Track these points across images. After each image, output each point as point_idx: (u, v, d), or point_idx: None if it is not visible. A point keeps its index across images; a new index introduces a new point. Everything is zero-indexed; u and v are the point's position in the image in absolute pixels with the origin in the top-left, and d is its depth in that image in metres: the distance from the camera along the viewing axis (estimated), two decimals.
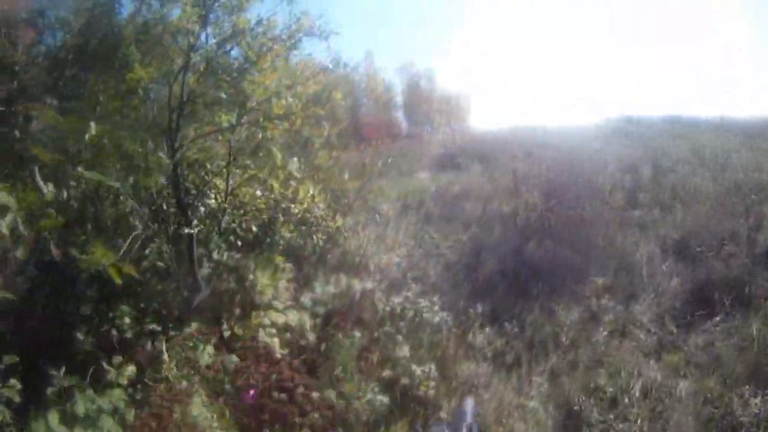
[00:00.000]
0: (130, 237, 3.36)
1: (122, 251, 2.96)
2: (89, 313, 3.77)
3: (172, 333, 3.93)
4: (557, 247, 6.98)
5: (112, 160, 3.70)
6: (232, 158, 4.65)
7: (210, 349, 3.93)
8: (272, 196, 5.03)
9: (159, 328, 3.92)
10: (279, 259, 5.16)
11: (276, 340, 4.29)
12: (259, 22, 4.17)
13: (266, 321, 4.32)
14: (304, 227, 5.55)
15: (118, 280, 2.66)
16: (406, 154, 23.48)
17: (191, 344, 3.87)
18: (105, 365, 3.38)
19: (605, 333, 5.44)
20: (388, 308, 5.19)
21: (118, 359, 3.47)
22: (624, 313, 5.80)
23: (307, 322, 4.73)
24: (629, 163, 10.65)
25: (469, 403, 1.69)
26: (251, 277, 4.60)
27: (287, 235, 5.45)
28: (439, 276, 7.05)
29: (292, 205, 5.16)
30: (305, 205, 5.15)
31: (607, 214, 7.84)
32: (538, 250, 7.02)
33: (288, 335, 4.64)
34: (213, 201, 4.86)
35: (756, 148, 11.76)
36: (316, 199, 5.14)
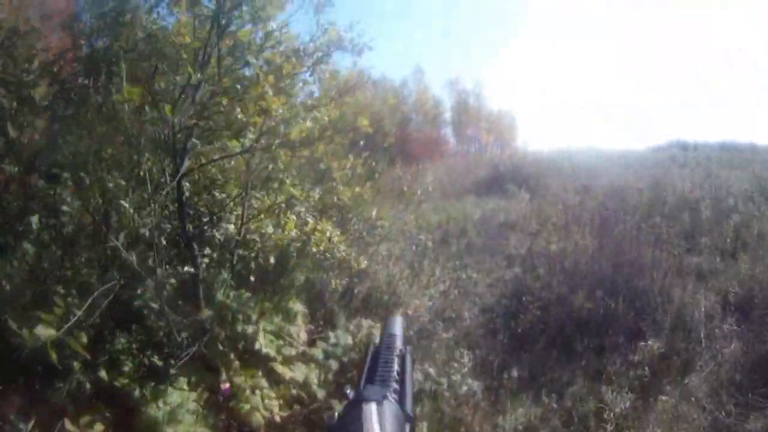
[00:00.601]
0: (95, 293, 2.85)
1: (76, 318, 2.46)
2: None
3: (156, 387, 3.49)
4: (607, 298, 6.17)
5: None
6: (244, 188, 4.24)
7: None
8: (285, 233, 4.57)
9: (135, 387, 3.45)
10: (292, 302, 4.70)
11: (275, 403, 3.81)
12: (269, 35, 3.72)
13: (263, 383, 3.83)
14: (322, 267, 5.07)
15: (56, 361, 2.18)
16: (451, 173, 22.99)
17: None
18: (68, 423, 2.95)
19: (654, 415, 4.68)
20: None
21: (85, 419, 3.05)
22: (677, 388, 5.03)
23: (314, 379, 4.22)
24: (689, 199, 9.48)
25: (398, 322, 1.30)
26: (251, 328, 4.13)
27: (301, 277, 4.97)
28: (474, 320, 6.42)
29: (309, 246, 4.68)
30: (322, 247, 4.64)
31: (664, 261, 6.79)
32: (587, 300, 6.23)
33: (294, 391, 4.16)
34: (232, 226, 4.45)
35: None
36: (335, 239, 4.62)
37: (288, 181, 4.12)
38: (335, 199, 4.87)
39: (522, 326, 6.10)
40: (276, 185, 4.15)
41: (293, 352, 4.33)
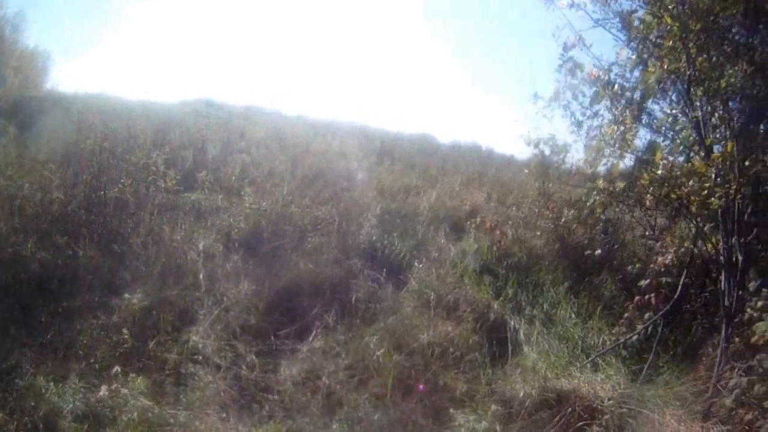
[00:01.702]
0: None
1: None
2: None
3: None
4: (74, 244, 4.88)
5: None
6: None
7: None
8: None
9: None
10: None
11: None
12: None
13: None
14: None
15: None
16: None
17: None
18: None
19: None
20: None
21: None
22: (174, 346, 3.98)
23: None
24: (195, 138, 8.49)
25: None
26: None
27: None
28: None
29: None
30: None
31: (152, 196, 5.75)
32: (44, 250, 4.78)
33: None
34: None
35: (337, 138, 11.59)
36: None
37: None
38: None
39: None
40: None
41: None
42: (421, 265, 5.28)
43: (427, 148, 13.70)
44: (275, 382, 3.84)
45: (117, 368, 3.63)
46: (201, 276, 4.65)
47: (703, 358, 4.16)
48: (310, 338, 4.27)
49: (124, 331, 4.00)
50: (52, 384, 3.42)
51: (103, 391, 3.37)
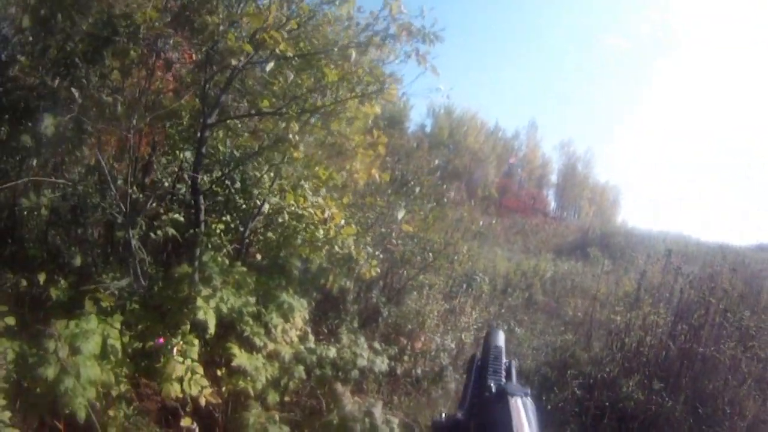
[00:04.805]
0: None
1: None
2: None
3: None
4: (666, 392, 4.92)
5: None
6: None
7: None
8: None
9: None
10: (287, 294, 4.12)
11: (201, 381, 3.30)
12: None
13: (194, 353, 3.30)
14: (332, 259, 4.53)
15: None
16: (540, 231, 21.62)
17: None
18: None
19: None
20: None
21: None
22: None
23: (263, 377, 3.64)
24: None
25: (501, 335, 1.22)
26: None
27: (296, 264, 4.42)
28: None
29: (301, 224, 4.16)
30: (332, 234, 4.03)
31: (745, 364, 5.27)
32: (639, 389, 5.01)
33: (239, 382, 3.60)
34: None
35: None
36: (340, 224, 4.03)
37: (301, 148, 3.58)
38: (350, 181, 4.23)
39: (554, 403, 4.99)
40: (284, 147, 3.76)
41: (261, 342, 3.90)
42: None
43: None
44: None
45: None
46: None
47: None
48: None
49: None
50: None
51: None
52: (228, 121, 4.29)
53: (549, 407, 4.89)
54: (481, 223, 7.10)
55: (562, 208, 45.18)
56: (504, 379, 1.02)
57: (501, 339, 1.28)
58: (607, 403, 4.98)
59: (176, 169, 4.61)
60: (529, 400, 0.81)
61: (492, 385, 0.85)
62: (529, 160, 45.24)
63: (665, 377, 5.19)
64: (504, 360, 1.13)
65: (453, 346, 5.43)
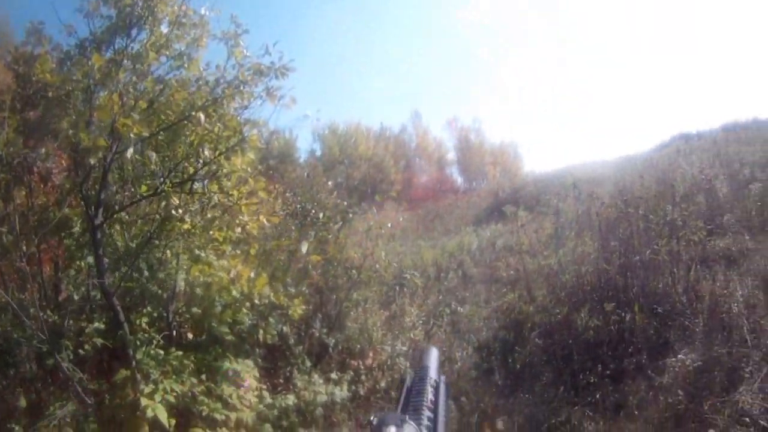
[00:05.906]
0: None
1: None
2: None
3: None
4: (620, 309, 5.09)
5: None
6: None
7: None
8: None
9: None
10: (229, 361, 4.03)
11: None
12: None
13: None
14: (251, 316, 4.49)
15: None
16: (453, 210, 22.28)
17: None
18: None
19: None
20: None
21: None
22: (723, 408, 3.74)
23: None
24: (699, 179, 7.84)
25: (433, 353, 1.40)
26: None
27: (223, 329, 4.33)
28: (467, 361, 5.56)
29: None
30: (246, 290, 4.01)
31: (684, 252, 5.49)
32: (595, 318, 5.24)
33: None
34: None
35: None
36: (256, 283, 4.00)
37: (187, 219, 3.52)
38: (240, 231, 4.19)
39: (521, 362, 5.22)
40: (171, 224, 3.87)
41: (222, 416, 3.84)
42: None
43: None
44: None
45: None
46: (744, 330, 4.27)
47: None
48: None
49: (679, 392, 3.98)
50: None
51: None
52: (115, 216, 4.12)
53: (518, 366, 5.11)
54: (389, 224, 7.21)
55: (469, 180, 46.45)
56: (432, 398, 1.11)
57: (432, 357, 1.38)
58: (570, 341, 5.12)
59: (84, 278, 4.40)
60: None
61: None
62: (423, 147, 46.25)
63: (613, 296, 5.36)
64: (433, 378, 1.21)
65: (405, 348, 5.55)
